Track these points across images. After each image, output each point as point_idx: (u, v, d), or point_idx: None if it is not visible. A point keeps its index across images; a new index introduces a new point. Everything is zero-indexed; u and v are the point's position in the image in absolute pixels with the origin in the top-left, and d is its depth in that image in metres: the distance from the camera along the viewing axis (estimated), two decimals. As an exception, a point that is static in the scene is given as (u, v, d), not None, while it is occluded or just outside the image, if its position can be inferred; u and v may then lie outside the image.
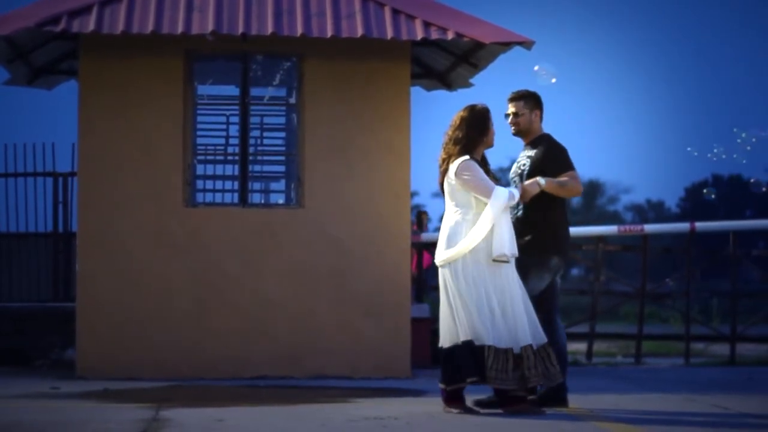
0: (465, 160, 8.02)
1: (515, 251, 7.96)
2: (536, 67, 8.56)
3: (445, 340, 8.02)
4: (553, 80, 8.65)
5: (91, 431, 7.09)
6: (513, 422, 7.56)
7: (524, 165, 8.34)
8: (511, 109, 8.43)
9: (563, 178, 8.21)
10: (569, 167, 8.28)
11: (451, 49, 11.86)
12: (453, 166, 8.03)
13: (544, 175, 8.20)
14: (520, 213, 8.24)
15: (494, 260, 7.92)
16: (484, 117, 8.17)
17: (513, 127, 8.45)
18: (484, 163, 8.14)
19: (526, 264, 8.12)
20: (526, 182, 8.20)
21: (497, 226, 7.93)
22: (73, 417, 7.77)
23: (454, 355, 7.91)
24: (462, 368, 7.85)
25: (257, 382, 10.67)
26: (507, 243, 7.93)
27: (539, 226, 8.23)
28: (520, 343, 7.85)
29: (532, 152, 8.34)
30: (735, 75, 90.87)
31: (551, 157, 8.27)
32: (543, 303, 8.20)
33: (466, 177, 7.97)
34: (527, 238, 8.17)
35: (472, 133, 8.11)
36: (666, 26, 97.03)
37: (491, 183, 7.97)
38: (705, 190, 9.04)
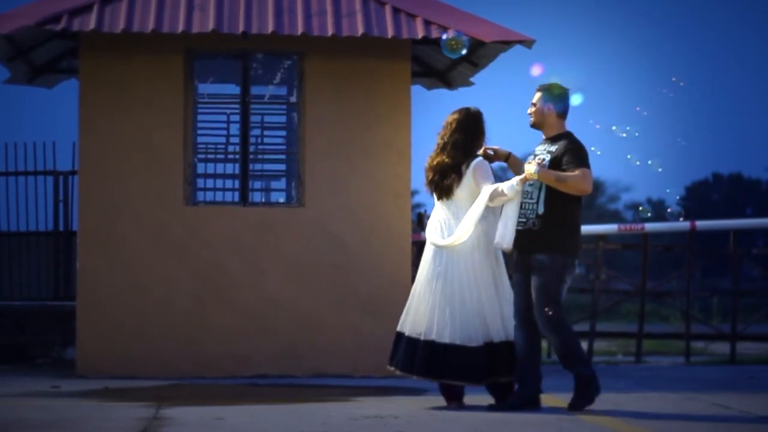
0: (482, 161, 8.13)
1: (510, 245, 8.09)
2: (444, 36, 8.51)
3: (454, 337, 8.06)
4: (464, 51, 8.65)
5: (91, 429, 7.09)
6: (512, 419, 7.56)
7: (546, 161, 8.18)
8: (532, 99, 8.39)
9: (565, 173, 8.11)
10: (582, 164, 8.13)
11: (452, 47, 11.84)
12: (472, 168, 8.08)
13: (563, 170, 8.14)
14: (541, 210, 8.11)
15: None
16: (480, 120, 8.25)
17: (530, 117, 8.41)
18: None
19: (551, 267, 8.08)
20: (527, 165, 8.15)
21: (504, 216, 8.04)
22: (73, 415, 7.77)
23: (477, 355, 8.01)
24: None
25: (258, 380, 10.68)
26: (508, 235, 8.06)
27: (559, 225, 8.12)
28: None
29: (552, 147, 8.21)
30: (735, 74, 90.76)
31: (566, 152, 8.16)
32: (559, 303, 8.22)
33: (485, 183, 8.05)
34: (547, 239, 8.09)
35: (470, 136, 8.17)
36: (666, 25, 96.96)
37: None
38: (640, 210, 8.71)
